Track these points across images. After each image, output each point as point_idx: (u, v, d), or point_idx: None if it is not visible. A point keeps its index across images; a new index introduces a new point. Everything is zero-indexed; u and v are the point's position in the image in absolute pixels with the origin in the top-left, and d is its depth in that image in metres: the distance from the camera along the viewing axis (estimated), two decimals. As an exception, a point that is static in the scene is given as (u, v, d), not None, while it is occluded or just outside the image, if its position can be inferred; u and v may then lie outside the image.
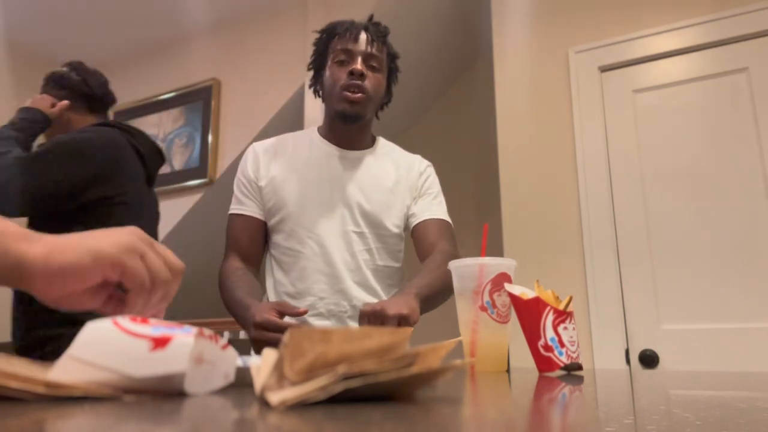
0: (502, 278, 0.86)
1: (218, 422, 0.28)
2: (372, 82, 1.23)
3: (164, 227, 3.17)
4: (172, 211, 3.17)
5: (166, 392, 0.38)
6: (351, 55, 1.23)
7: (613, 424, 0.29)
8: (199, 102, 3.26)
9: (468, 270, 0.87)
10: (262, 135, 3.07)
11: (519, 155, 2.28)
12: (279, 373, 0.35)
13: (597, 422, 0.31)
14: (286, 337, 0.34)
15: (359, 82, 1.20)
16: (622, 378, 0.73)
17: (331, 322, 1.21)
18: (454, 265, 0.90)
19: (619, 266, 2.03)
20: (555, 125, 2.24)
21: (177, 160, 3.26)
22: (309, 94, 2.91)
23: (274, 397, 0.32)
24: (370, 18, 1.31)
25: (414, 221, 1.30)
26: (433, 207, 1.32)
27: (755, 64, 1.98)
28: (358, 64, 1.21)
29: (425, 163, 1.40)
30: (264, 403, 0.33)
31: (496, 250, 2.38)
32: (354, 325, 1.20)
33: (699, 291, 1.91)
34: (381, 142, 1.38)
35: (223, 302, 1.19)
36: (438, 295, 1.15)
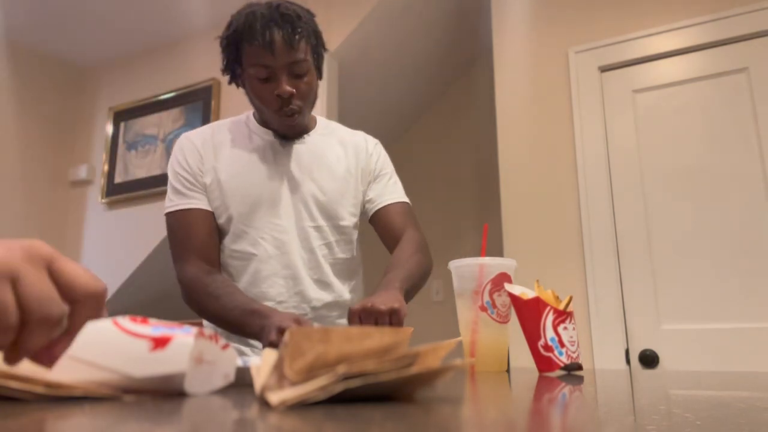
0: (502, 278, 0.86)
1: (218, 422, 0.28)
2: (303, 91, 1.12)
3: (164, 227, 3.17)
4: (172, 211, 3.17)
5: (166, 392, 0.38)
6: (272, 72, 1.09)
7: (613, 424, 0.29)
8: (199, 102, 3.26)
9: (468, 270, 0.87)
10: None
11: (519, 155, 2.28)
12: (279, 373, 0.35)
13: (597, 422, 0.31)
14: (286, 337, 0.34)
15: (290, 105, 1.11)
16: (622, 378, 0.73)
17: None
18: (454, 265, 0.90)
19: (619, 266, 2.03)
20: (555, 125, 2.24)
21: (177, 160, 3.25)
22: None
23: (274, 397, 0.32)
24: (277, 7, 1.09)
25: (373, 207, 1.23)
26: (390, 189, 1.26)
27: (755, 64, 1.98)
28: (284, 84, 1.08)
29: (372, 141, 1.32)
30: (264, 403, 0.33)
31: (496, 250, 2.38)
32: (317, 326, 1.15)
33: (699, 291, 1.91)
34: (321, 122, 1.29)
35: (205, 312, 1.09)
36: (417, 285, 1.12)
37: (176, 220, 1.15)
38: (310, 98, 1.16)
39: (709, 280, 1.90)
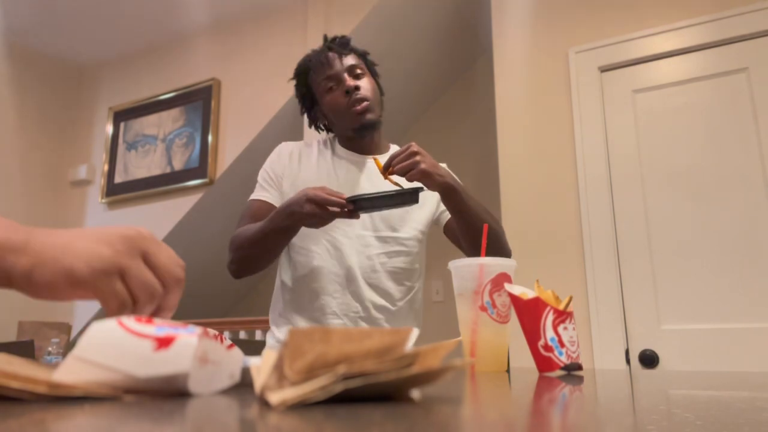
0: (502, 278, 0.86)
1: (218, 422, 0.28)
2: (366, 87, 1.28)
3: (164, 227, 3.17)
4: (172, 211, 3.17)
5: (170, 392, 0.38)
6: (336, 78, 1.28)
7: (613, 424, 0.29)
8: (199, 102, 3.26)
9: (468, 270, 0.87)
10: (262, 135, 3.07)
11: (519, 155, 2.28)
12: (279, 373, 0.35)
13: (597, 422, 0.31)
14: (286, 337, 0.34)
15: (359, 95, 1.26)
16: (622, 378, 0.73)
17: (342, 322, 1.23)
18: (454, 265, 0.90)
19: (619, 266, 2.03)
20: (555, 125, 2.24)
21: (177, 160, 3.26)
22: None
23: (274, 397, 0.32)
24: (326, 38, 1.35)
25: (447, 216, 1.33)
26: None
27: (755, 64, 1.98)
28: (349, 81, 1.27)
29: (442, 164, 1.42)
30: (264, 403, 0.33)
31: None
32: (365, 327, 1.21)
33: (699, 291, 1.91)
34: (394, 148, 1.41)
35: (248, 241, 1.19)
36: (479, 212, 1.19)
37: (249, 206, 1.31)
38: (375, 95, 1.30)
39: (710, 280, 1.90)
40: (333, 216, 1.09)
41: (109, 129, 3.53)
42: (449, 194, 1.14)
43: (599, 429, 0.28)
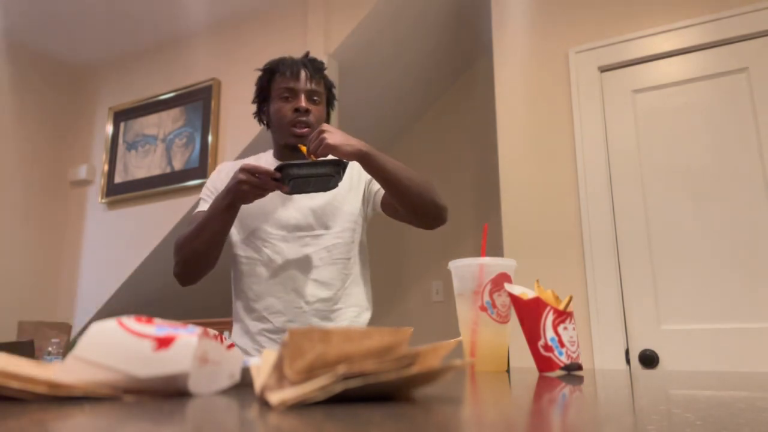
0: (502, 278, 0.86)
1: (218, 422, 0.28)
2: (315, 114, 1.37)
3: (164, 227, 3.17)
4: (172, 211, 3.17)
5: (170, 392, 0.38)
6: (294, 93, 1.36)
7: (613, 424, 0.29)
8: (199, 102, 3.26)
9: (468, 270, 0.87)
10: (262, 135, 3.07)
11: (519, 155, 2.28)
12: (279, 373, 0.35)
13: (597, 422, 0.31)
14: (286, 337, 0.34)
15: (304, 118, 1.34)
16: (622, 378, 0.73)
17: (288, 318, 1.32)
18: (454, 265, 0.90)
19: (619, 266, 2.03)
20: (555, 125, 2.24)
21: (177, 160, 3.26)
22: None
23: (274, 397, 0.32)
24: (307, 54, 1.46)
25: (380, 195, 1.40)
26: None
27: (755, 64, 1.98)
28: (302, 102, 1.35)
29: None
30: (264, 403, 0.33)
31: (496, 250, 2.38)
32: (314, 321, 1.33)
33: (699, 291, 1.91)
34: None
35: (191, 235, 1.27)
36: (400, 170, 1.24)
37: (191, 218, 1.38)
38: (318, 123, 1.37)
39: (709, 280, 1.90)
40: (265, 186, 1.17)
41: (109, 129, 3.53)
42: (364, 160, 1.20)
43: (599, 429, 0.28)
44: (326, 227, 1.37)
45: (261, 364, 0.41)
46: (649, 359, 1.91)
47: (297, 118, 1.34)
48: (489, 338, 0.84)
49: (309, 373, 0.34)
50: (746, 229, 1.89)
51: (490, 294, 0.85)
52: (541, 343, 0.77)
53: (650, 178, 2.05)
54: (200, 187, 3.15)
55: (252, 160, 1.46)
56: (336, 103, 1.50)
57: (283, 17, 3.13)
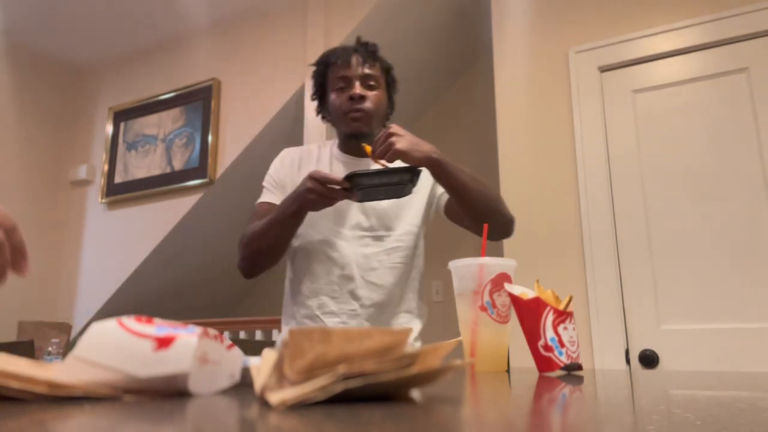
0: (502, 278, 0.86)
1: (218, 422, 0.28)
2: (372, 100, 1.31)
3: (164, 227, 3.17)
4: (172, 211, 3.17)
5: (170, 392, 0.38)
6: (348, 81, 1.31)
7: (613, 424, 0.29)
8: (199, 102, 3.26)
9: (468, 270, 0.87)
10: (262, 135, 3.07)
11: (519, 155, 2.28)
12: (279, 373, 0.35)
13: (597, 422, 0.31)
14: (286, 337, 0.34)
15: (360, 105, 1.30)
16: (622, 378, 0.73)
17: (341, 320, 1.27)
18: (454, 265, 0.90)
19: (619, 266, 2.03)
20: (555, 125, 2.23)
21: (177, 160, 3.26)
22: (309, 93, 2.92)
23: (274, 397, 0.32)
24: (358, 40, 1.38)
25: (444, 199, 1.35)
26: None
27: (755, 64, 1.98)
28: (356, 89, 1.30)
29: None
30: (264, 403, 0.33)
31: (496, 250, 2.38)
32: (365, 324, 1.28)
33: (699, 291, 1.91)
34: None
35: (257, 234, 1.24)
36: (469, 181, 1.19)
37: (257, 208, 1.35)
38: (378, 111, 1.33)
39: (709, 280, 1.90)
40: (334, 194, 1.13)
41: (109, 129, 3.53)
42: (434, 167, 1.16)
43: (599, 429, 0.28)
44: (388, 228, 1.32)
45: (261, 364, 0.41)
46: (649, 359, 1.91)
47: (352, 106, 1.30)
48: (489, 338, 0.84)
49: (309, 373, 0.34)
50: (746, 229, 1.89)
51: (490, 294, 0.85)
52: (541, 343, 0.77)
53: (650, 178, 2.05)
54: (200, 187, 3.15)
55: (315, 150, 1.42)
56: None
57: (283, 17, 3.13)
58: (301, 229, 1.28)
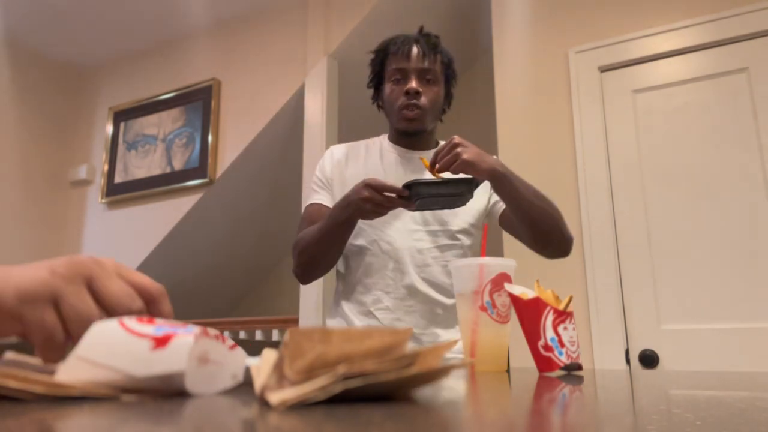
0: (502, 278, 0.85)
1: (218, 422, 0.28)
2: (428, 96, 1.28)
3: (164, 227, 3.17)
4: (172, 211, 3.17)
5: (168, 392, 0.38)
6: (405, 74, 1.28)
7: (613, 424, 0.29)
8: (199, 102, 3.26)
9: (468, 270, 0.87)
10: (262, 135, 3.07)
11: (519, 155, 2.28)
12: (279, 373, 0.35)
13: (597, 422, 0.31)
14: (286, 337, 0.34)
15: (415, 101, 1.26)
16: (622, 378, 0.73)
17: (396, 316, 1.24)
18: (454, 265, 0.90)
19: (619, 266, 2.03)
20: (555, 125, 2.23)
21: (177, 160, 3.26)
22: (309, 93, 2.92)
23: (274, 397, 0.31)
24: (421, 30, 1.34)
25: (500, 207, 1.31)
26: None
27: (755, 64, 1.98)
28: (413, 83, 1.26)
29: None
30: (264, 403, 0.33)
31: (496, 250, 2.38)
32: (421, 321, 1.25)
33: (699, 291, 1.91)
34: None
35: (310, 242, 1.22)
36: (532, 198, 1.16)
37: (307, 211, 1.33)
38: (434, 106, 1.31)
39: (709, 280, 1.90)
40: (390, 203, 1.09)
41: (109, 129, 3.53)
42: (498, 181, 1.12)
43: (599, 429, 0.28)
44: (443, 224, 1.28)
45: (261, 364, 0.41)
46: (649, 359, 1.91)
47: (407, 101, 1.26)
48: (489, 338, 0.84)
49: (309, 373, 0.34)
50: (746, 229, 1.89)
51: (490, 294, 0.84)
52: (541, 343, 0.77)
53: (650, 178, 2.05)
54: (200, 187, 3.15)
55: (363, 146, 1.39)
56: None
57: (283, 17, 3.13)
58: (357, 225, 1.25)
